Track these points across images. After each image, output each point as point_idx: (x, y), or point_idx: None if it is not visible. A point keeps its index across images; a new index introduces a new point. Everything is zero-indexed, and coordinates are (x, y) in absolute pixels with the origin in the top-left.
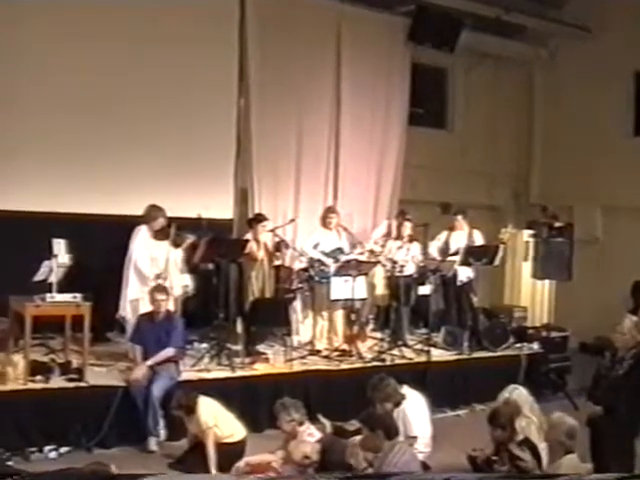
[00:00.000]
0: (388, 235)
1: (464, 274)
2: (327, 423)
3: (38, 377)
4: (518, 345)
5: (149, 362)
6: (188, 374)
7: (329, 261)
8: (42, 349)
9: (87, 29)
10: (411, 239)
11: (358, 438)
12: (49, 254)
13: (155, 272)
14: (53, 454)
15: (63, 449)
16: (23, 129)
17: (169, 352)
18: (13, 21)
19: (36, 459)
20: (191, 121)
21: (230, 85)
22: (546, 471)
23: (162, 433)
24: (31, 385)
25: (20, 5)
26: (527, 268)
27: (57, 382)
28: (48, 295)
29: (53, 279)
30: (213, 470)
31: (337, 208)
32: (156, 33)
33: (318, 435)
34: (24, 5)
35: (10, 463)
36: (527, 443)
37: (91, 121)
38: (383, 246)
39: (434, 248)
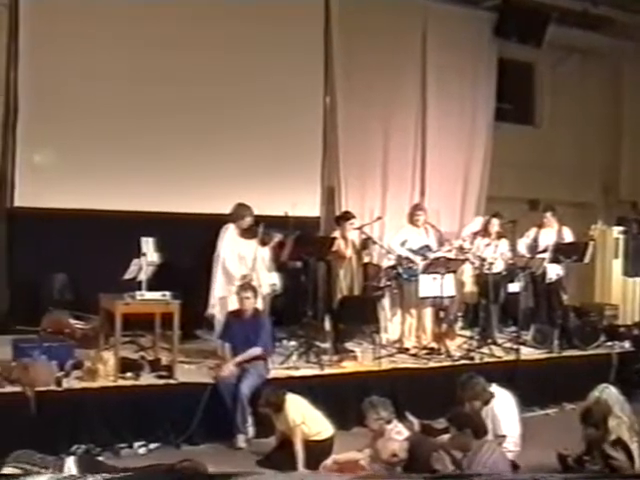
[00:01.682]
0: (480, 232)
1: (553, 271)
2: (415, 421)
3: (128, 374)
4: (609, 344)
5: (237, 359)
6: (276, 372)
7: (417, 259)
8: (132, 346)
9: (181, 37)
10: (499, 236)
11: (446, 437)
12: (138, 253)
13: (243, 270)
14: (142, 450)
15: (152, 445)
16: (114, 130)
17: (257, 351)
18: (105, 27)
19: (126, 455)
20: (278, 121)
21: (316, 85)
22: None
23: (250, 430)
24: (121, 382)
25: (110, 13)
26: (617, 265)
27: (147, 379)
28: (138, 293)
29: (142, 277)
30: (301, 468)
31: (424, 205)
32: (245, 39)
33: (406, 433)
34: (114, 13)
35: (100, 459)
36: (620, 443)
37: (180, 122)
38: (471, 243)
39: (523, 245)
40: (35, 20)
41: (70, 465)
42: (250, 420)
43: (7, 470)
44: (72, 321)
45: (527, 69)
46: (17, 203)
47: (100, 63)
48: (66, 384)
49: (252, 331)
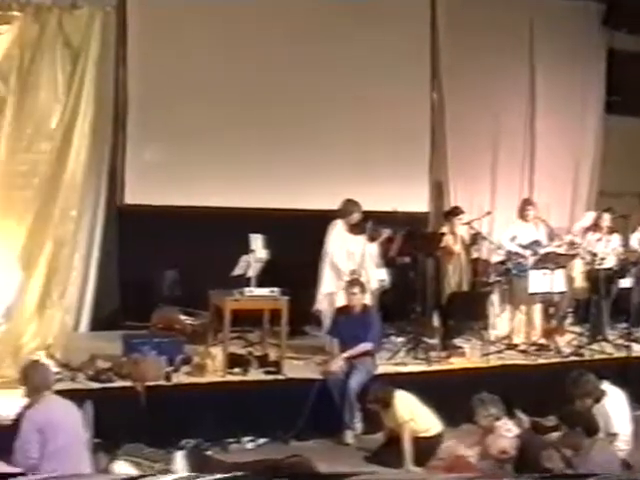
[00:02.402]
0: (591, 227)
1: None
2: (525, 419)
3: (236, 369)
4: None
5: (346, 354)
6: (384, 367)
7: (527, 254)
8: (240, 342)
9: (286, 33)
10: (611, 231)
11: (556, 435)
12: (247, 249)
13: (351, 266)
14: (250, 445)
15: (260, 440)
16: (222, 127)
17: (366, 346)
18: (211, 24)
19: (234, 450)
20: (386, 116)
21: (423, 79)
22: None
23: (358, 426)
24: (229, 377)
25: (212, 11)
26: None
27: (255, 375)
28: (246, 289)
29: (251, 273)
30: (409, 464)
31: (534, 200)
32: (352, 34)
33: (516, 431)
34: (217, 11)
35: (209, 453)
36: None
37: (288, 118)
38: (582, 238)
39: (635, 240)
40: (142, 20)
41: (179, 459)
42: (358, 416)
43: (118, 463)
44: (182, 317)
45: (638, 59)
46: (127, 201)
47: (207, 61)
48: (175, 379)
49: (361, 327)
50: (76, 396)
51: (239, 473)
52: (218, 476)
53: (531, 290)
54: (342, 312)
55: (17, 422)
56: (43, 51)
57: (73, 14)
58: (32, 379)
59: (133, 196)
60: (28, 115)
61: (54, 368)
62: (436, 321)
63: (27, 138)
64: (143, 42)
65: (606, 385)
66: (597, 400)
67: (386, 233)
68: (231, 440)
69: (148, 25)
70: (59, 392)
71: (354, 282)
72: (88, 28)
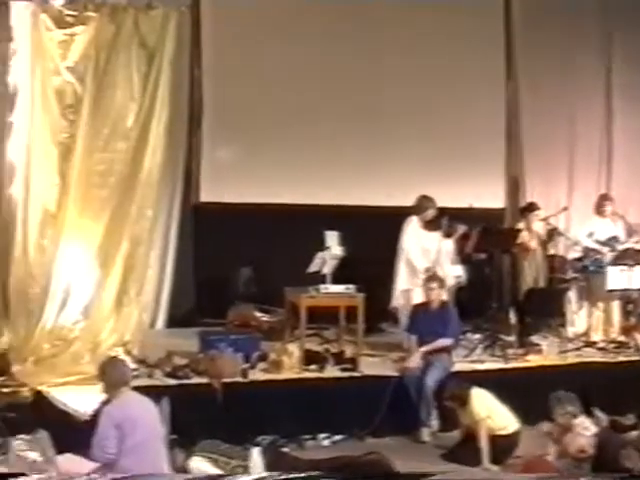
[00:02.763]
0: None
1: None
2: (603, 417)
3: (312, 366)
4: None
5: (424, 348)
6: (461, 365)
7: (604, 250)
8: (317, 339)
9: (357, 30)
10: None
11: (635, 433)
12: (322, 246)
13: (426, 263)
14: (327, 442)
15: (336, 437)
16: (295, 124)
17: (445, 342)
18: (285, 23)
19: (310, 446)
20: (460, 112)
21: (497, 74)
22: None
23: (434, 424)
24: (306, 374)
25: (286, 10)
26: None
27: (331, 372)
28: (322, 286)
29: (326, 270)
30: (486, 463)
31: (612, 195)
32: (424, 27)
33: (594, 429)
34: (290, 10)
35: (285, 450)
36: None
37: (362, 114)
38: None
39: None
40: (216, 19)
41: (255, 456)
42: (434, 413)
43: (195, 459)
44: (258, 314)
45: None
46: (203, 199)
47: (281, 59)
48: (252, 376)
49: (439, 323)
50: (153, 392)
51: (313, 473)
52: (292, 475)
53: (609, 287)
54: (420, 308)
55: (95, 418)
56: (119, 51)
57: (148, 14)
58: (110, 375)
59: (208, 194)
60: (104, 115)
61: (131, 365)
62: (513, 318)
63: (103, 138)
64: (217, 41)
65: None
66: None
67: (462, 229)
68: (307, 437)
69: (222, 24)
70: (136, 388)
71: (432, 277)
72: (163, 28)
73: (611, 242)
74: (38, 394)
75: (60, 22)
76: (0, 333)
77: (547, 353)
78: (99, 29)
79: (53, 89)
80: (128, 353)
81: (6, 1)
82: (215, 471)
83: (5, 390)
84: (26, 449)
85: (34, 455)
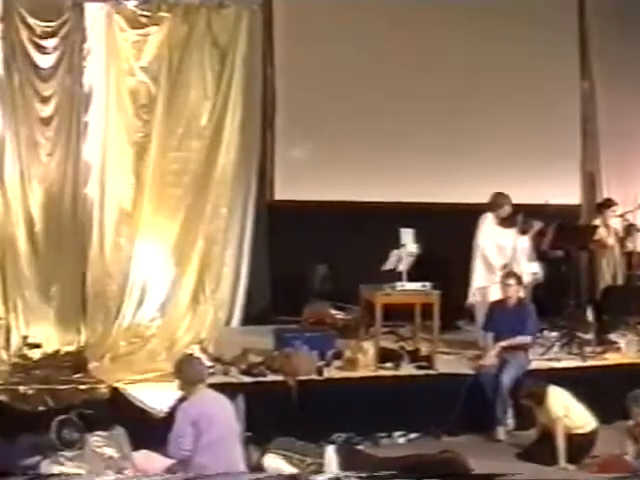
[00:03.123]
0: None
1: None
2: None
3: (388, 364)
4: None
5: (502, 343)
6: (537, 363)
7: None
8: (392, 337)
9: (429, 25)
10: None
11: None
12: (397, 243)
13: (502, 260)
14: (402, 439)
15: (411, 435)
16: (369, 121)
17: (522, 340)
18: (358, 18)
19: (385, 444)
20: (535, 108)
21: (572, 70)
22: None
23: (510, 422)
24: (381, 372)
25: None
26: None
27: (406, 369)
28: (398, 284)
29: (402, 268)
30: (562, 462)
31: None
32: (495, 27)
33: None
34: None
35: (360, 447)
36: None
37: (436, 110)
38: None
39: None
40: (289, 17)
41: (330, 453)
42: (510, 412)
43: (270, 457)
44: (333, 311)
45: None
46: (277, 196)
47: (354, 56)
48: (327, 373)
49: (517, 320)
50: (228, 390)
51: (382, 472)
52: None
53: None
54: (497, 305)
55: (171, 415)
56: (192, 51)
57: (220, 13)
58: (186, 372)
59: (282, 192)
60: (178, 114)
61: (207, 362)
62: (590, 316)
63: (177, 137)
64: (290, 39)
65: None
66: None
67: (537, 226)
68: (382, 434)
69: (294, 22)
70: (212, 385)
71: (510, 274)
72: (235, 27)
73: None
74: (115, 391)
75: (134, 23)
76: (77, 331)
77: (625, 351)
78: (172, 29)
79: (127, 89)
80: (204, 351)
81: (80, 2)
82: (290, 469)
83: (82, 387)
84: (103, 445)
85: (111, 451)
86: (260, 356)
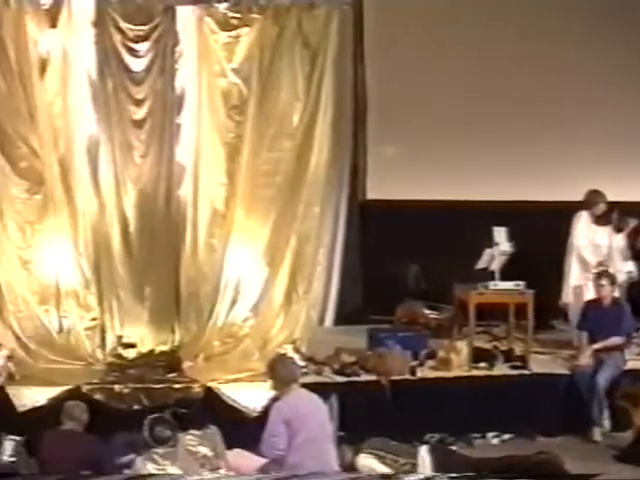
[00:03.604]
0: None
1: None
2: None
3: (481, 364)
4: None
5: (596, 346)
6: (634, 363)
7: None
8: (485, 336)
9: (516, 25)
10: None
11: None
12: (490, 242)
13: (597, 259)
14: (496, 440)
15: (505, 436)
16: (461, 119)
17: (618, 340)
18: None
19: (479, 445)
20: (626, 104)
21: None
22: None
23: (606, 423)
24: (475, 372)
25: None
26: None
27: (500, 369)
28: (491, 283)
29: (495, 267)
30: None
31: None
32: (585, 29)
33: None
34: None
35: (454, 448)
36: None
37: (527, 108)
38: None
39: None
40: (379, 16)
41: (423, 454)
42: (606, 413)
43: (363, 457)
44: (426, 311)
45: None
46: (369, 196)
47: (445, 55)
48: (420, 373)
49: (612, 320)
50: (321, 389)
51: (476, 473)
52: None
53: None
54: (591, 305)
55: (265, 414)
56: (282, 52)
57: (311, 14)
58: (279, 372)
59: (375, 191)
60: (269, 115)
61: (300, 362)
62: None
63: (269, 137)
64: (380, 38)
65: None
66: None
67: (633, 224)
68: (476, 435)
69: (385, 21)
70: (305, 385)
71: (603, 274)
72: (326, 27)
73: None
74: (208, 390)
75: (225, 25)
76: (171, 331)
77: None
78: (263, 30)
79: (219, 91)
80: (297, 350)
81: (172, 6)
82: (383, 469)
83: (176, 386)
84: (197, 444)
85: (205, 450)
86: (353, 356)
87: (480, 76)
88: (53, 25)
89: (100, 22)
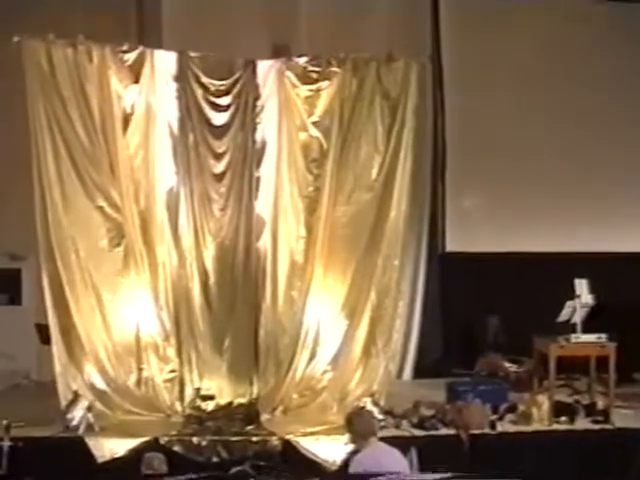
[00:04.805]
0: None
1: None
2: None
3: (562, 418)
4: None
5: None
6: None
7: None
8: (566, 390)
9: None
10: None
11: None
12: (572, 294)
13: None
14: None
15: None
16: (540, 169)
17: None
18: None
19: None
20: None
21: None
22: None
23: None
24: (556, 426)
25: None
26: None
27: (582, 424)
28: (572, 335)
29: (577, 319)
30: None
31: None
32: None
33: None
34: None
35: None
36: None
37: (608, 158)
38: None
39: None
40: (457, 66)
41: None
42: None
43: None
44: (506, 364)
45: None
46: (449, 247)
47: (523, 105)
48: (500, 427)
49: None
50: (401, 443)
51: None
52: None
53: None
54: None
55: (345, 467)
56: (362, 104)
57: (390, 66)
58: (357, 425)
59: (454, 243)
60: (348, 167)
61: (378, 415)
62: None
63: (348, 190)
64: (459, 89)
65: None
66: None
67: None
68: None
69: (464, 70)
70: (384, 439)
71: None
72: (405, 79)
73: None
74: (286, 443)
75: (305, 78)
76: (250, 383)
77: None
78: (343, 83)
79: (299, 144)
80: (375, 404)
81: (253, 60)
82: None
83: (254, 439)
84: None
85: None
86: (432, 409)
87: (560, 124)
88: (136, 80)
89: (182, 77)
